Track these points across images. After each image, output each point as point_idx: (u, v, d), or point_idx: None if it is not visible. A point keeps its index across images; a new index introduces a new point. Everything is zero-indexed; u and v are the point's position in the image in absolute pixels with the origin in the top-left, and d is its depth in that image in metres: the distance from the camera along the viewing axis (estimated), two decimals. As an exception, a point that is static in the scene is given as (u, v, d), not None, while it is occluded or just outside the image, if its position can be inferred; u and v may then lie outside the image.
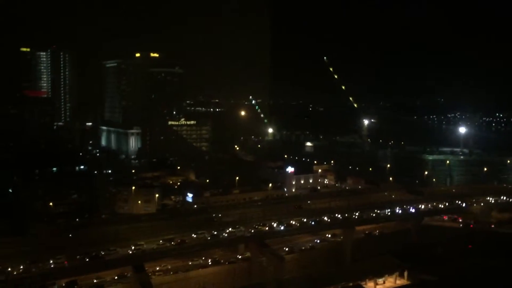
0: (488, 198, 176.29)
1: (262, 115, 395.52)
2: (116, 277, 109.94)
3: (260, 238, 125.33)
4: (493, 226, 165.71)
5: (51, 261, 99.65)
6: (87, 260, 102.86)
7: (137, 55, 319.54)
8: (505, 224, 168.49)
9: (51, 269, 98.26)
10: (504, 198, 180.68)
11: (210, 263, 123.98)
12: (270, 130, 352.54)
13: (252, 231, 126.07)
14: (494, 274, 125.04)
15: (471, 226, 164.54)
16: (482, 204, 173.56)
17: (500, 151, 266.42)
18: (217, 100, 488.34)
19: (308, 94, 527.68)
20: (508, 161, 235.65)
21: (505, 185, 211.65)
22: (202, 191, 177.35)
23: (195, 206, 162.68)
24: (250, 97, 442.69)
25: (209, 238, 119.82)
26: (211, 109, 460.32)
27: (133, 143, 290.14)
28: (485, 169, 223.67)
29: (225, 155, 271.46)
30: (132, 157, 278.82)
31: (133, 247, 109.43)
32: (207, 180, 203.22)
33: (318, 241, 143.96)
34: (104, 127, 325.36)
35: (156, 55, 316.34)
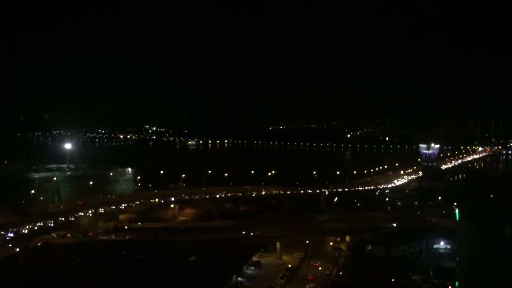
0: (93, 210, 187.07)
1: None
2: None
3: None
4: (99, 236, 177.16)
5: None
6: None
7: None
8: (111, 232, 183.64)
9: None
10: (108, 208, 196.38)
11: None
12: None
13: None
14: (111, 280, 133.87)
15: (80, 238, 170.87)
16: (88, 216, 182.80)
17: (103, 164, 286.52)
18: None
19: None
20: (111, 174, 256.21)
21: (109, 196, 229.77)
22: None
23: None
24: None
25: None
26: None
27: None
28: (91, 182, 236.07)
29: None
30: None
31: None
32: None
33: None
34: None
35: None
